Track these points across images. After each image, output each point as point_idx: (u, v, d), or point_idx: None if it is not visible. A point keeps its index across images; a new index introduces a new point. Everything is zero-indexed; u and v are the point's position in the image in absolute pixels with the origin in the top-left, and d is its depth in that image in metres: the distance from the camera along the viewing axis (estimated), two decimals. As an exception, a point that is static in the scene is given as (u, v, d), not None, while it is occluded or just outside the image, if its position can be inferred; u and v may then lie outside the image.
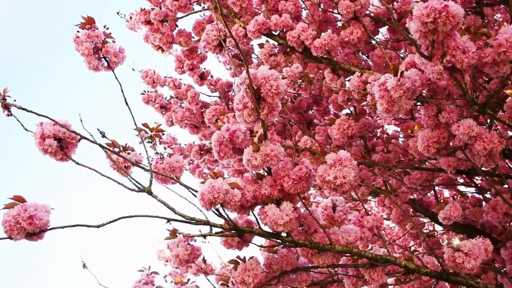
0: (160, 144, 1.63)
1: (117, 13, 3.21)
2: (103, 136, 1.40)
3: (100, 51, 1.58)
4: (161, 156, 1.70)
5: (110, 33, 1.61)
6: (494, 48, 1.47)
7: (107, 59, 1.59)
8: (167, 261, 3.36)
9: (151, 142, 1.64)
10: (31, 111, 1.25)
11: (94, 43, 1.58)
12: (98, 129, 1.37)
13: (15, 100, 1.27)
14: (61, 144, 1.39)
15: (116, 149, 1.58)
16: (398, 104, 1.51)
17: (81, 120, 1.34)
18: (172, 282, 2.00)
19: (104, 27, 1.62)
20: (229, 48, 2.72)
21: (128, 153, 1.54)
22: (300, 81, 2.38)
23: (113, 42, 1.61)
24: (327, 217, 1.64)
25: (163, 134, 1.66)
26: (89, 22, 1.60)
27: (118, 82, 1.49)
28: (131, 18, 3.14)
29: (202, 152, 3.35)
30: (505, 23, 1.50)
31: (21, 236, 1.22)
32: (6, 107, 1.27)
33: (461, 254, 1.55)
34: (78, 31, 1.60)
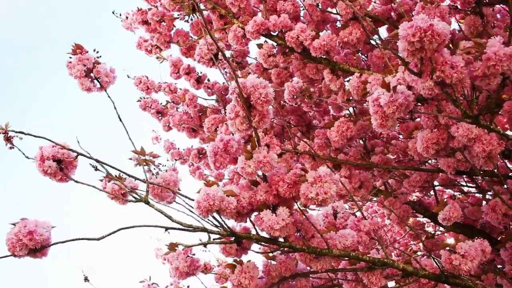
0: (155, 169, 1.66)
1: (112, 12, 3.20)
2: (96, 169, 1.43)
3: (91, 72, 1.63)
4: (156, 175, 1.71)
5: (100, 56, 1.66)
6: (483, 62, 1.48)
7: (99, 80, 1.63)
8: (165, 259, 3.38)
9: (146, 165, 1.66)
10: (29, 134, 1.29)
11: (85, 65, 1.63)
12: (91, 164, 1.40)
13: (17, 132, 1.31)
14: (61, 165, 1.43)
15: (112, 180, 1.61)
16: (392, 119, 1.52)
17: (78, 142, 1.37)
18: None
19: (94, 50, 1.67)
20: (222, 61, 2.74)
21: (122, 182, 1.56)
22: (301, 96, 2.39)
23: (104, 63, 1.66)
24: (328, 225, 1.66)
25: (156, 159, 1.70)
26: (78, 48, 1.66)
27: (111, 101, 1.54)
28: (127, 18, 3.12)
29: (200, 155, 3.36)
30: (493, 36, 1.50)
31: (23, 253, 1.25)
32: (8, 139, 1.32)
33: (458, 256, 1.56)
34: (70, 57, 1.66)
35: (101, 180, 1.46)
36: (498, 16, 2.30)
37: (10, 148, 1.33)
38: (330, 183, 1.37)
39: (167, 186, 1.50)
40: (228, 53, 3.06)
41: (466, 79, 1.49)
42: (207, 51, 2.42)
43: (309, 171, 1.41)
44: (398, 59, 1.65)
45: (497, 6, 2.23)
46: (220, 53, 2.57)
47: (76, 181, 1.40)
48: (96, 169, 1.39)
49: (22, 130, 1.33)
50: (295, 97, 2.39)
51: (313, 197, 1.36)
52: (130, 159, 1.60)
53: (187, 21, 2.88)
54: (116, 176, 1.47)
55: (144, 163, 1.54)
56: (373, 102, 1.53)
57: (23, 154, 1.34)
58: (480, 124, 1.67)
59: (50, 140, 1.35)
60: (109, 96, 1.56)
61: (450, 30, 1.37)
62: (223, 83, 3.28)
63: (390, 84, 1.49)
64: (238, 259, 1.55)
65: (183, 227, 1.42)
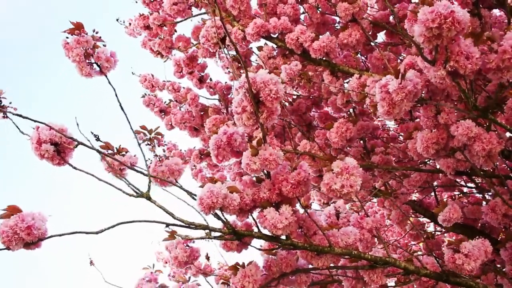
0: (158, 146, 1.63)
1: (117, 20, 3.24)
2: (97, 139, 1.40)
3: (91, 57, 1.55)
4: (160, 159, 1.70)
5: (100, 37, 1.57)
6: (499, 55, 1.45)
7: (99, 64, 1.56)
8: (166, 262, 3.36)
9: (150, 145, 1.63)
10: (26, 117, 1.25)
11: (84, 49, 1.54)
12: (92, 132, 1.38)
13: (10, 103, 1.28)
14: (58, 149, 1.39)
15: (110, 151, 1.58)
16: (399, 107, 1.50)
17: (77, 124, 1.34)
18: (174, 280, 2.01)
19: (94, 31, 1.59)
20: (228, 46, 2.71)
21: (123, 155, 1.53)
22: (299, 79, 2.36)
23: (104, 45, 1.58)
24: (331, 225, 1.65)
25: (162, 137, 1.66)
26: (77, 27, 1.55)
27: (112, 87, 1.48)
28: (130, 24, 3.16)
29: (202, 156, 3.35)
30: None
31: (19, 246, 1.22)
32: (1, 109, 1.27)
33: (461, 256, 1.56)
34: (67, 37, 1.56)
35: (100, 152, 1.40)
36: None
37: (4, 117, 1.28)
38: (357, 176, 1.33)
39: (170, 176, 1.49)
40: (231, 54, 3.07)
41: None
42: (214, 34, 2.36)
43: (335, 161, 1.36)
44: (407, 44, 1.59)
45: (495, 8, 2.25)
46: (227, 39, 2.54)
47: (74, 167, 1.36)
48: (98, 139, 1.36)
49: (20, 114, 1.30)
50: (292, 79, 2.37)
51: (337, 189, 1.32)
52: (137, 132, 1.55)
53: (196, 4, 2.84)
54: (116, 148, 1.44)
55: (148, 141, 1.51)
56: (381, 88, 1.50)
57: (18, 128, 1.29)
58: (488, 117, 1.65)
59: (47, 125, 1.30)
60: (109, 82, 1.49)
61: (469, 19, 1.33)
62: (225, 82, 3.29)
63: (399, 71, 1.46)
64: (241, 259, 1.55)
65: (184, 224, 1.41)
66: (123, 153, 1.55)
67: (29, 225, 1.20)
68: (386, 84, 1.50)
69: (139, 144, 1.40)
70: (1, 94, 1.28)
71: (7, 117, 1.29)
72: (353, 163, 1.36)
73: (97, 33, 1.59)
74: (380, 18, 2.55)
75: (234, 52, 3.01)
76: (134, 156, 1.56)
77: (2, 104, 1.28)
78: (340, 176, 1.34)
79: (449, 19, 1.31)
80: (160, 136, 1.63)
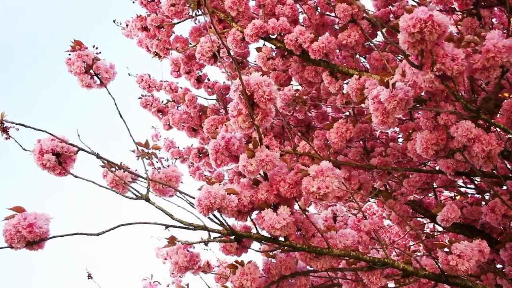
0: (157, 162, 1.66)
1: (114, 21, 3.25)
2: (98, 157, 1.42)
3: (91, 69, 1.63)
4: (158, 170, 1.71)
5: (100, 52, 1.67)
6: (483, 54, 1.48)
7: (99, 76, 1.63)
8: (166, 259, 3.36)
9: (148, 159, 1.66)
10: (28, 126, 1.29)
11: (84, 62, 1.63)
12: (94, 152, 1.40)
13: (13, 122, 1.31)
14: (60, 159, 1.43)
15: (113, 169, 1.61)
16: (392, 116, 1.53)
17: (78, 135, 1.38)
18: None
19: (93, 46, 1.67)
20: (223, 59, 2.74)
21: (124, 171, 1.56)
22: (294, 104, 2.41)
23: (103, 59, 1.67)
24: (328, 227, 1.66)
25: (159, 151, 1.70)
26: (78, 44, 1.66)
27: (112, 97, 1.54)
28: (127, 25, 3.16)
29: (200, 155, 3.36)
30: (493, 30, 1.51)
31: (21, 245, 1.24)
32: (4, 130, 1.32)
33: (454, 257, 1.57)
34: (69, 54, 1.65)
35: (103, 167, 1.45)
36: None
37: (6, 138, 1.33)
38: (332, 177, 1.37)
39: (168, 183, 1.50)
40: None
41: (465, 74, 1.49)
42: (208, 49, 2.42)
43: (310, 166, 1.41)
44: (400, 53, 1.63)
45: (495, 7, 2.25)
46: (221, 50, 2.58)
47: (76, 176, 1.40)
48: (98, 156, 1.38)
49: (22, 123, 1.33)
50: (288, 104, 2.41)
51: (315, 191, 1.36)
52: (133, 151, 1.60)
53: (192, 16, 2.87)
54: (117, 165, 1.46)
55: (147, 156, 1.54)
56: (373, 99, 1.54)
57: (20, 146, 1.34)
58: (481, 117, 1.67)
59: (49, 133, 1.35)
60: (109, 93, 1.57)
61: (449, 22, 1.37)
62: (224, 82, 3.29)
63: (389, 81, 1.50)
64: (239, 260, 1.55)
65: (183, 225, 1.42)
66: (124, 170, 1.58)
67: (30, 223, 1.23)
68: (378, 94, 1.53)
69: (137, 157, 1.42)
70: (3, 116, 1.32)
71: (9, 137, 1.34)
72: (328, 165, 1.41)
73: (96, 48, 1.68)
74: (380, 17, 2.54)
75: (229, 61, 3.01)
76: (136, 170, 1.60)
77: (4, 126, 1.32)
78: (316, 179, 1.38)
79: (429, 22, 1.34)
80: (157, 151, 1.67)
